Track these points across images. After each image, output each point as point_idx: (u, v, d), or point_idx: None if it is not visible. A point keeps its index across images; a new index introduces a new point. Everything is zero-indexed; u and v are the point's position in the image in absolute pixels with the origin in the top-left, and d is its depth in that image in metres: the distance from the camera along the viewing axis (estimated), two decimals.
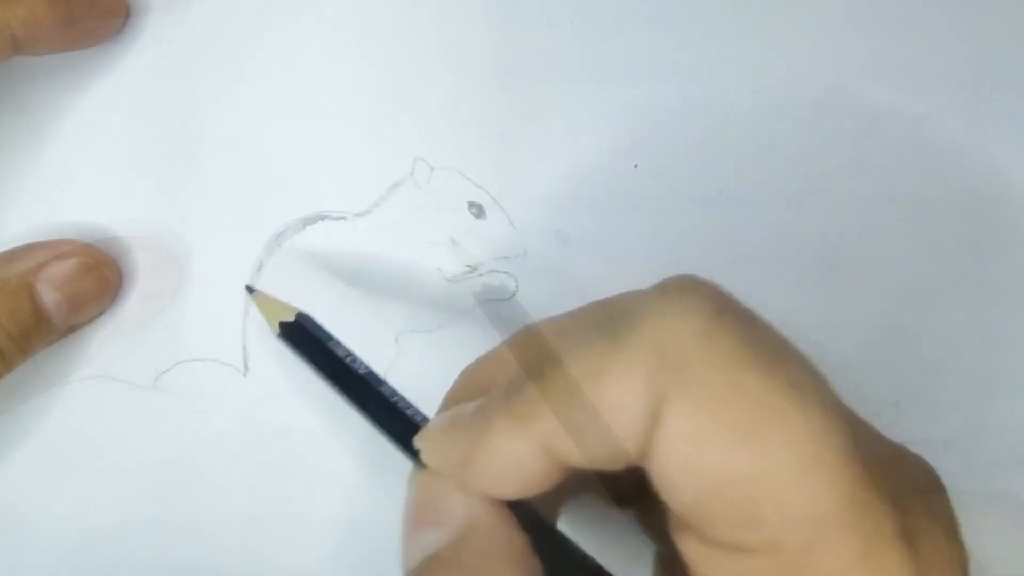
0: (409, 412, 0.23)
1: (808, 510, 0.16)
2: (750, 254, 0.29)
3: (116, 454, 0.29)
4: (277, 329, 0.26)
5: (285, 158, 0.29)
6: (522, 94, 0.29)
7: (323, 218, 0.29)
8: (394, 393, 0.24)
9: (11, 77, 0.28)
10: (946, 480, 0.29)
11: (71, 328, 0.28)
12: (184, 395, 0.29)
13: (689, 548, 0.18)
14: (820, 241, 0.29)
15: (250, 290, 0.28)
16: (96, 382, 0.29)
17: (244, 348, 0.29)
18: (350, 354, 0.25)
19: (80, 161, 0.29)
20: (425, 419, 0.23)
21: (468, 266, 0.29)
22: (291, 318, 0.26)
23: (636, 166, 0.29)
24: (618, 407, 0.17)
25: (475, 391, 0.22)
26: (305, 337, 0.25)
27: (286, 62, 0.29)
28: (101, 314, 0.29)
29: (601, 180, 0.29)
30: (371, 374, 0.24)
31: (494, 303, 0.28)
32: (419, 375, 0.29)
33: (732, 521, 0.17)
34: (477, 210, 0.29)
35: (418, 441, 0.21)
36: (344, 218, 0.29)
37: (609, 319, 0.19)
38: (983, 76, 0.29)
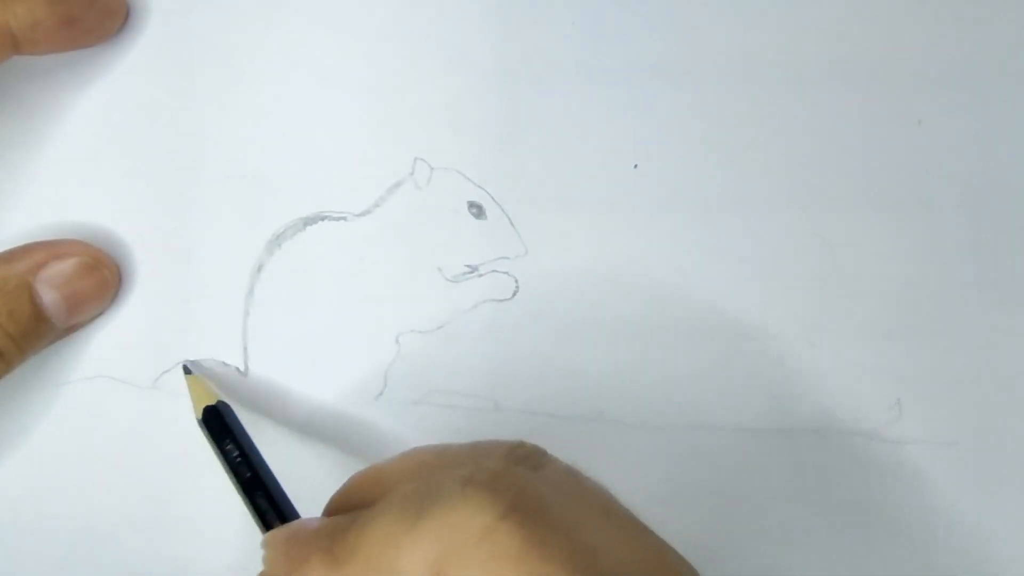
0: (283, 509, 0.26)
1: None
2: (750, 254, 0.29)
3: (116, 454, 0.29)
4: (200, 414, 0.28)
5: (285, 158, 0.29)
6: (522, 94, 0.29)
7: (323, 218, 0.29)
8: (274, 491, 0.27)
9: (11, 77, 0.28)
10: (946, 481, 0.29)
11: (71, 328, 0.28)
12: (184, 395, 0.29)
13: None
14: (820, 241, 0.29)
15: (187, 370, 0.29)
16: (96, 382, 0.29)
17: (244, 348, 0.29)
18: (249, 453, 0.27)
19: (80, 161, 0.29)
20: (296, 517, 0.26)
21: (468, 266, 0.29)
22: (213, 403, 0.28)
23: (636, 166, 0.29)
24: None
25: (360, 498, 0.24)
26: (220, 424, 0.27)
27: (286, 62, 0.29)
28: (101, 314, 0.29)
29: (601, 180, 0.29)
30: (260, 475, 0.27)
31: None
32: (419, 375, 0.29)
33: None
34: (477, 210, 0.29)
35: (262, 543, 0.24)
36: (344, 218, 0.29)
37: (417, 500, 0.21)
38: (983, 76, 0.29)
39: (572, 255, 0.29)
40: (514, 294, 0.29)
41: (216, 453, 0.27)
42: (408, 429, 0.30)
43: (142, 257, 0.29)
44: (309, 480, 0.29)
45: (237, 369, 0.29)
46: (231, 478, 0.27)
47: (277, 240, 0.29)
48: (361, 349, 0.29)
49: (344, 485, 0.25)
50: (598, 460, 0.30)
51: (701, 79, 0.29)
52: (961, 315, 0.29)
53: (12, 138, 0.29)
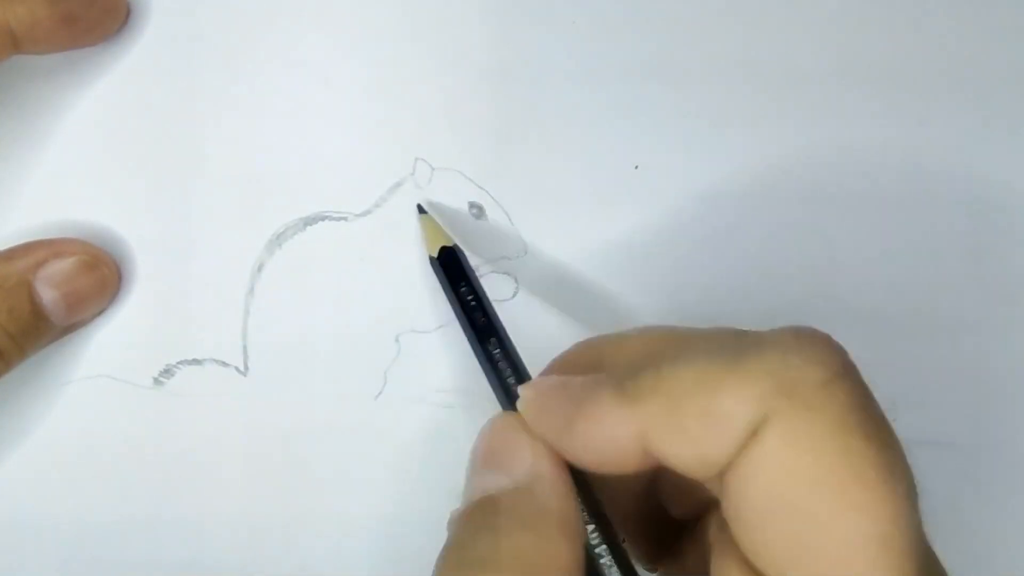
0: (518, 363, 0.24)
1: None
2: (750, 254, 0.29)
3: (116, 454, 0.29)
4: (435, 253, 0.27)
5: (286, 158, 0.29)
6: (522, 94, 0.29)
7: (324, 218, 0.29)
8: (509, 342, 0.25)
9: (11, 76, 0.28)
10: (943, 482, 0.29)
11: (70, 327, 0.28)
12: (184, 395, 0.29)
13: None
14: (820, 241, 0.29)
15: (421, 210, 0.28)
16: (96, 382, 0.29)
17: (244, 348, 0.29)
18: (482, 297, 0.26)
19: (80, 160, 0.29)
20: (528, 375, 0.24)
21: None
22: (449, 244, 0.27)
23: (636, 167, 0.29)
24: (725, 416, 0.18)
25: (584, 364, 0.22)
26: (452, 269, 0.26)
27: (287, 62, 0.29)
28: (100, 313, 0.29)
29: (601, 180, 0.29)
30: (495, 320, 0.25)
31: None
32: (419, 375, 0.29)
33: (790, 559, 0.17)
34: (477, 210, 0.29)
35: (523, 389, 0.22)
36: (345, 218, 0.29)
37: (736, 341, 0.19)
38: (983, 76, 0.29)
39: (572, 255, 0.29)
40: (514, 294, 0.29)
41: (449, 297, 0.26)
42: (408, 429, 0.30)
43: (142, 256, 0.29)
44: (309, 480, 0.30)
45: (237, 368, 0.29)
46: (463, 323, 0.25)
47: (277, 240, 0.29)
48: (361, 349, 0.29)
49: (570, 349, 0.24)
50: None
51: (701, 79, 0.29)
52: (959, 315, 0.29)
53: (12, 137, 0.29)
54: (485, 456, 0.21)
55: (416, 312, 0.29)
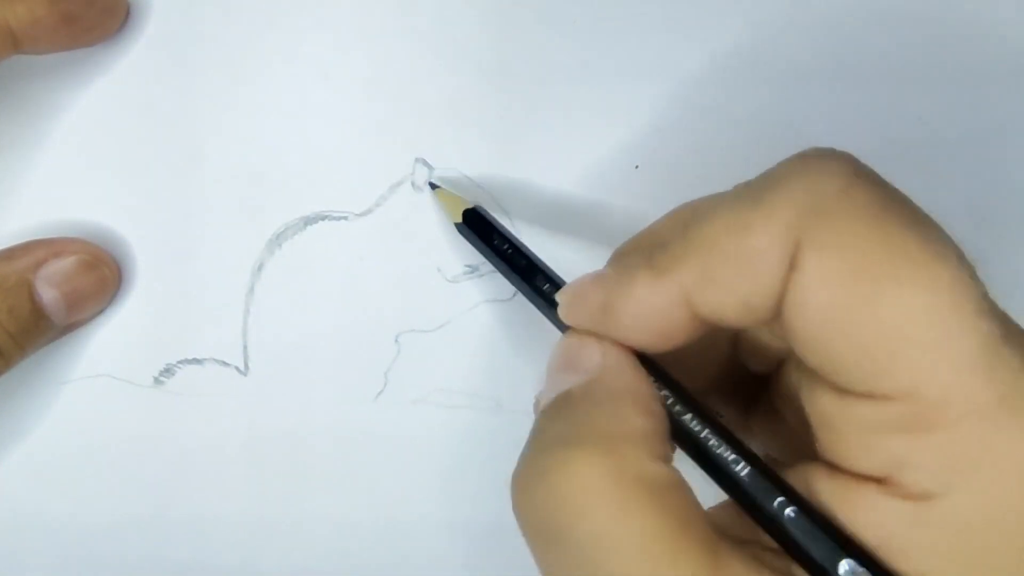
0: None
1: (947, 355, 0.16)
2: None
3: (116, 454, 0.29)
4: (459, 219, 0.27)
5: (286, 158, 0.29)
6: (522, 94, 0.29)
7: (324, 218, 0.29)
8: (555, 274, 0.25)
9: (10, 75, 0.28)
10: None
11: (70, 326, 0.28)
12: (184, 395, 0.29)
13: (822, 403, 0.18)
14: None
15: (433, 186, 0.29)
16: (96, 382, 0.29)
17: (244, 348, 0.29)
18: (516, 242, 0.26)
19: (80, 159, 0.29)
20: None
21: (468, 266, 0.29)
22: (470, 206, 0.27)
23: (637, 167, 0.29)
24: (758, 254, 0.18)
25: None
26: (480, 226, 0.27)
27: (287, 61, 0.29)
28: (100, 313, 0.29)
29: (601, 180, 0.29)
30: (535, 259, 0.26)
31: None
32: (419, 375, 0.29)
33: (869, 368, 0.17)
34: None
35: (559, 295, 0.22)
36: (345, 218, 0.29)
37: (750, 187, 0.19)
38: (983, 74, 0.29)
39: (572, 255, 0.29)
40: (514, 294, 0.30)
41: (486, 254, 0.26)
42: (408, 429, 0.30)
43: (142, 256, 0.29)
44: (309, 479, 0.30)
45: (237, 368, 0.29)
46: (507, 273, 0.26)
47: (278, 239, 0.29)
48: (361, 349, 0.29)
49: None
50: None
51: (701, 79, 0.29)
52: None
53: (12, 136, 0.29)
54: (559, 364, 0.22)
55: (416, 312, 0.29)
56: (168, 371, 0.29)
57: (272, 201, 0.29)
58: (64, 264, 0.27)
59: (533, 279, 0.25)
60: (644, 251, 0.20)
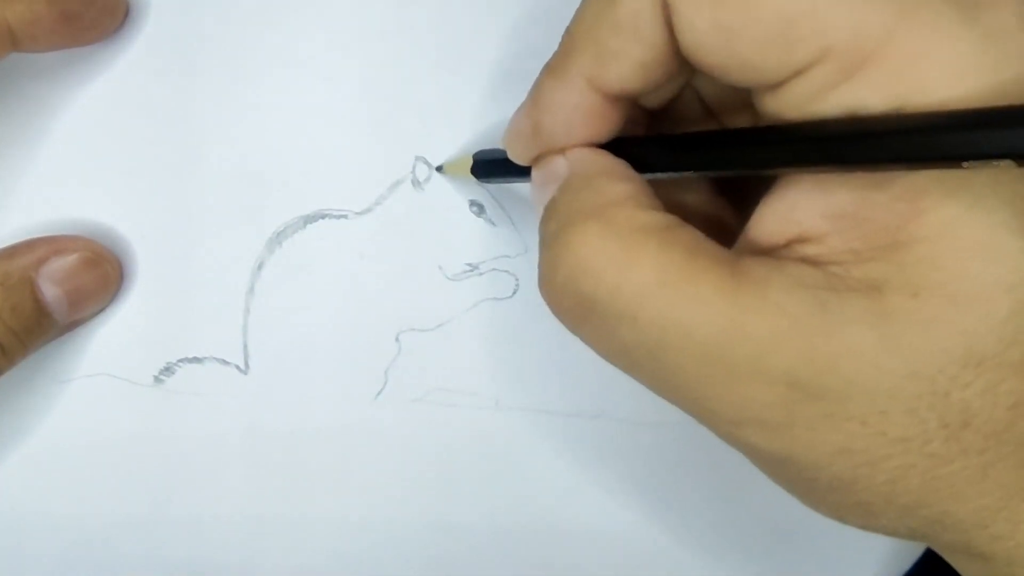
0: None
1: (857, 21, 0.17)
2: None
3: (116, 453, 0.29)
4: (472, 178, 0.28)
5: (286, 156, 0.29)
6: (522, 94, 0.29)
7: (324, 216, 0.29)
8: None
9: (9, 74, 0.28)
10: None
11: (72, 324, 0.28)
12: (184, 393, 0.29)
13: (766, 110, 0.19)
14: None
15: (439, 169, 0.29)
16: (96, 380, 0.29)
17: (244, 347, 0.29)
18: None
19: (80, 158, 0.29)
20: None
21: (468, 264, 0.29)
22: (471, 162, 0.28)
23: None
24: (631, 14, 0.19)
25: None
26: (490, 166, 0.27)
27: (287, 60, 0.29)
28: (102, 311, 0.29)
29: None
30: None
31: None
32: (419, 373, 0.29)
33: (781, 46, 0.17)
34: (478, 209, 0.29)
35: (502, 143, 0.24)
36: (345, 216, 0.29)
37: None
38: None
39: None
40: (515, 292, 0.30)
41: (507, 182, 0.27)
42: (408, 427, 0.30)
43: (143, 255, 0.29)
44: (309, 479, 0.29)
45: (237, 367, 0.29)
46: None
47: (278, 238, 0.29)
48: (361, 347, 0.29)
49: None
50: (600, 458, 0.30)
51: None
52: None
53: (12, 135, 0.29)
54: (536, 188, 0.23)
55: (417, 310, 0.29)
56: (168, 370, 0.29)
57: (272, 200, 0.29)
58: (66, 261, 0.27)
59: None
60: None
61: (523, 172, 0.24)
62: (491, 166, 0.27)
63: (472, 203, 0.29)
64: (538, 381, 0.29)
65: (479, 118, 0.29)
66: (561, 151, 0.22)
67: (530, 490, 0.30)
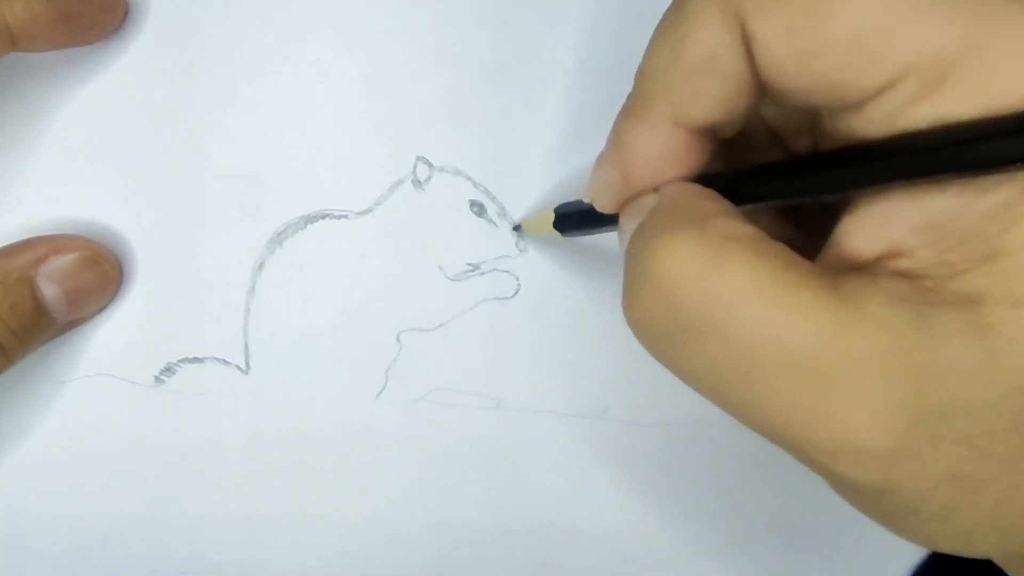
0: None
1: (935, 34, 0.16)
2: None
3: (116, 453, 0.29)
4: (553, 227, 0.27)
5: (286, 156, 0.29)
6: (522, 94, 0.29)
7: (324, 216, 0.29)
8: None
9: (9, 74, 0.28)
10: None
11: (71, 323, 0.28)
12: (185, 394, 0.28)
13: (847, 128, 0.18)
14: None
15: (517, 228, 0.29)
16: (96, 380, 0.29)
17: (245, 347, 0.29)
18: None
19: (80, 158, 0.29)
20: None
21: (469, 264, 0.29)
22: (551, 218, 0.27)
23: None
24: (709, 49, 0.18)
25: None
26: (572, 219, 0.26)
27: (286, 60, 0.29)
28: (102, 310, 0.29)
29: None
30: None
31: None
32: (420, 373, 0.29)
33: (861, 68, 0.17)
34: (478, 209, 0.29)
35: (584, 197, 0.23)
36: (346, 216, 0.29)
37: (668, 10, 0.20)
38: None
39: (573, 253, 0.29)
40: (515, 292, 0.30)
41: (591, 233, 0.26)
42: (409, 427, 0.29)
43: (143, 254, 0.29)
44: (310, 479, 0.29)
45: (238, 367, 0.29)
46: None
47: (278, 238, 0.29)
48: (362, 347, 0.29)
49: None
50: (601, 458, 0.30)
51: None
52: None
53: (11, 135, 0.28)
54: (625, 221, 0.22)
55: (417, 310, 0.29)
56: (169, 370, 0.29)
57: (272, 200, 0.29)
58: (65, 260, 0.27)
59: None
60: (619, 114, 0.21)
61: (610, 221, 0.23)
62: (576, 219, 0.26)
63: (472, 203, 0.29)
64: (539, 381, 0.29)
65: (480, 117, 0.29)
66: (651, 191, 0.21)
67: (531, 490, 0.30)
